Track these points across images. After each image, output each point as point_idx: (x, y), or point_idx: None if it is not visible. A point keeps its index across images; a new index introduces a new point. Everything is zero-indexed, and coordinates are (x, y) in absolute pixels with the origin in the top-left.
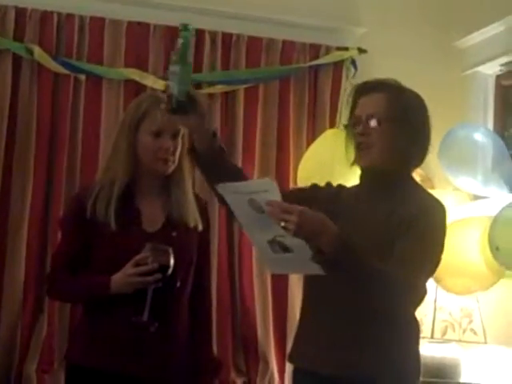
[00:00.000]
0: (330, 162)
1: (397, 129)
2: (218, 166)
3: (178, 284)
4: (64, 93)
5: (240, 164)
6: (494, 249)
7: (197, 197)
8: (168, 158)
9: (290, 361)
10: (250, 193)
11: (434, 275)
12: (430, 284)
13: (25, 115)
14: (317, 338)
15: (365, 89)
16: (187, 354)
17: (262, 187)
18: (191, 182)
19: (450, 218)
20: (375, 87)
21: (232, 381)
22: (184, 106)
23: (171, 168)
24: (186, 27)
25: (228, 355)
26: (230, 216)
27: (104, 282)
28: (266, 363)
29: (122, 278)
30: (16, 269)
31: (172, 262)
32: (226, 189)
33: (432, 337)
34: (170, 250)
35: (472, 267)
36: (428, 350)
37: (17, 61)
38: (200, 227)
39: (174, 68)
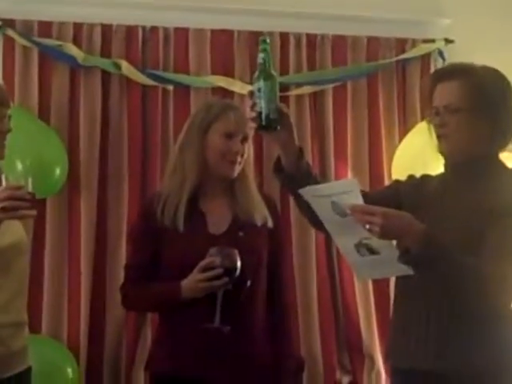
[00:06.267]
0: (422, 155)
1: (475, 116)
2: (306, 184)
3: (249, 283)
4: (153, 104)
5: (332, 163)
6: None
7: (265, 196)
8: (236, 160)
9: (387, 360)
10: (331, 195)
11: None
12: None
13: (116, 129)
14: (410, 332)
15: (440, 76)
16: (268, 354)
17: (343, 188)
18: (256, 184)
19: None
20: (450, 74)
21: (338, 381)
22: (273, 122)
23: (237, 171)
24: (264, 41)
25: (333, 355)
26: (316, 226)
27: (174, 288)
28: (372, 361)
29: (191, 283)
30: (117, 281)
31: (239, 263)
32: (309, 192)
33: None
34: (236, 252)
35: None
36: None
37: (105, 77)
38: (270, 224)
39: (259, 85)
